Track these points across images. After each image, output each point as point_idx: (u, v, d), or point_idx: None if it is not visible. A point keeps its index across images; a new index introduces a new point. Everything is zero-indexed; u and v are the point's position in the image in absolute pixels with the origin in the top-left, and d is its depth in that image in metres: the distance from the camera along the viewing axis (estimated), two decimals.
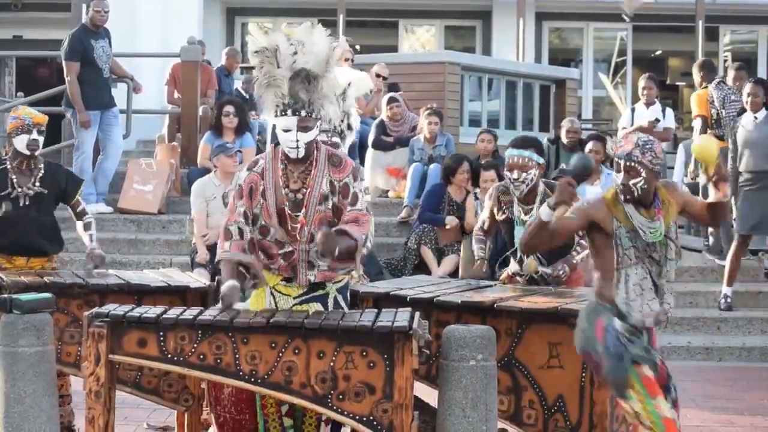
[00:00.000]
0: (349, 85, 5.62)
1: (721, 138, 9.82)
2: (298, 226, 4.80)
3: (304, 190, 4.82)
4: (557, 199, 4.58)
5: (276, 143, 4.93)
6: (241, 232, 4.84)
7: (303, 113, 4.74)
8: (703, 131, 10.13)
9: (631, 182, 4.56)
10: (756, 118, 9.35)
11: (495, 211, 5.96)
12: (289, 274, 4.90)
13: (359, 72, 6.05)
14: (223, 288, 4.76)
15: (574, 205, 4.68)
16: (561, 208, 4.59)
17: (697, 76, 10.80)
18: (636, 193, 4.57)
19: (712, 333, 9.33)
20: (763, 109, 9.40)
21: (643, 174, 4.54)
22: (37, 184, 6.11)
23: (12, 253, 6.09)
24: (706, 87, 10.41)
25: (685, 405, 7.34)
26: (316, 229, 4.79)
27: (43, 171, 6.14)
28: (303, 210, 4.80)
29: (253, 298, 5.04)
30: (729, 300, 9.42)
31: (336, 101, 5.06)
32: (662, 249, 4.61)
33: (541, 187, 5.81)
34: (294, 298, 4.92)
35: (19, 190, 6.07)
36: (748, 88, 9.47)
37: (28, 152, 6.08)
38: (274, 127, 4.98)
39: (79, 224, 6.29)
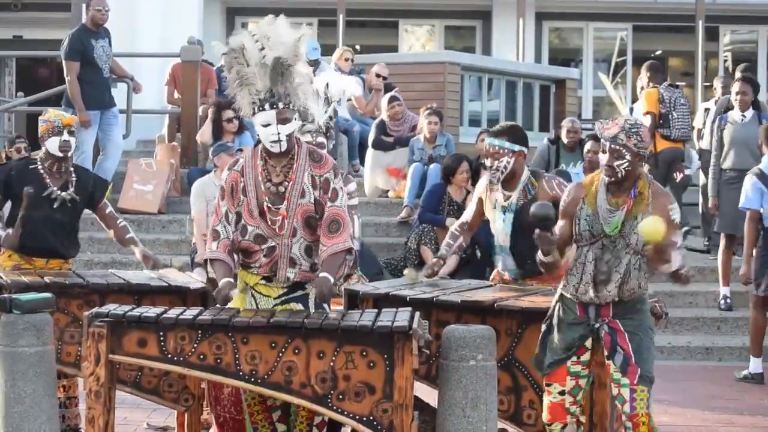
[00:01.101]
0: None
1: (667, 138, 10.30)
2: (279, 218, 4.81)
3: (286, 183, 4.83)
4: (544, 252, 4.73)
5: (256, 143, 4.95)
6: (226, 231, 4.87)
7: (281, 105, 4.76)
8: (652, 128, 10.27)
9: (616, 164, 4.65)
10: (744, 116, 9.37)
11: (484, 198, 5.93)
12: (269, 272, 4.89)
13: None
14: (219, 285, 4.76)
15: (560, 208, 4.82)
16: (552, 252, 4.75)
17: (644, 76, 10.98)
18: (620, 175, 4.66)
19: (712, 333, 9.33)
20: (751, 107, 9.41)
21: (628, 157, 4.64)
22: (72, 189, 6.11)
23: (34, 255, 6.08)
24: (654, 87, 10.64)
25: (685, 405, 7.38)
26: (298, 223, 4.81)
27: (75, 177, 6.15)
28: (285, 203, 4.81)
29: (234, 300, 5.03)
30: (728, 300, 9.42)
31: (316, 97, 5.10)
32: (619, 241, 4.67)
33: (525, 174, 5.76)
34: (274, 298, 4.91)
35: (59, 193, 6.07)
36: (736, 86, 9.49)
37: (60, 154, 6.06)
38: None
39: (120, 232, 6.24)
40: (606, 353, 4.74)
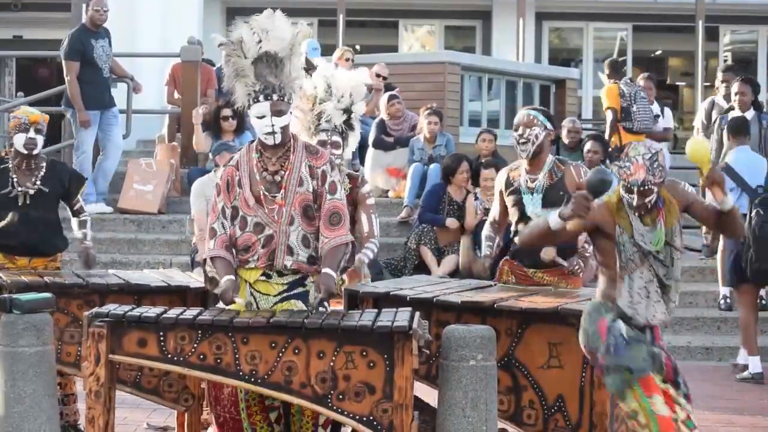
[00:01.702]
0: (350, 94, 5.66)
1: (629, 130, 10.66)
2: (275, 207, 4.81)
3: (283, 173, 4.83)
4: (571, 213, 4.56)
5: (251, 141, 4.98)
6: (223, 227, 4.87)
7: (275, 97, 4.78)
8: (614, 122, 10.79)
9: (646, 200, 4.57)
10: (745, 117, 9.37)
11: (504, 191, 5.94)
12: (266, 263, 4.86)
13: (358, 74, 6.01)
14: (222, 284, 4.75)
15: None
16: (573, 221, 4.58)
17: (604, 74, 11.44)
18: (650, 206, 4.59)
19: (712, 333, 9.33)
20: (752, 108, 9.42)
21: (656, 190, 4.58)
22: (38, 182, 6.10)
23: (14, 253, 6.08)
24: (614, 83, 11.06)
25: None
26: (296, 211, 4.81)
27: (45, 170, 6.14)
28: (282, 191, 4.82)
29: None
30: (728, 300, 9.42)
31: (329, 96, 5.10)
32: (667, 250, 4.61)
33: (550, 158, 5.82)
34: (274, 296, 4.91)
35: (19, 189, 6.06)
36: (736, 87, 9.51)
37: (25, 151, 6.08)
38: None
39: (74, 221, 6.28)
40: (669, 377, 4.61)
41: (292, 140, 4.90)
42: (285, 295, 4.90)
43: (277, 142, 4.82)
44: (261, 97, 4.78)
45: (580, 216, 4.56)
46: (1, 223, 5.94)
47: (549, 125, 5.82)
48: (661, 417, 4.53)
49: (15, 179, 6.08)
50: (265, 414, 4.97)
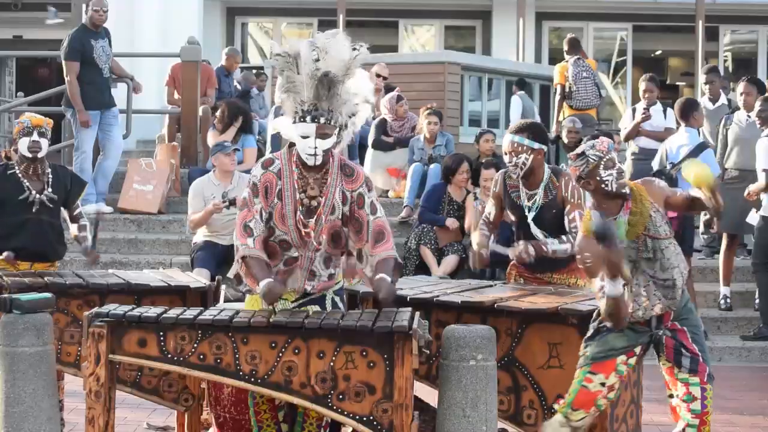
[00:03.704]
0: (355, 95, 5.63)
1: (571, 107, 11.57)
2: (307, 230, 4.79)
3: (320, 198, 4.79)
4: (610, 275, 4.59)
5: (289, 145, 4.90)
6: (259, 228, 4.79)
7: (322, 120, 4.71)
8: (561, 99, 11.86)
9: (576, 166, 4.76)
10: (749, 117, 9.37)
11: (502, 196, 5.93)
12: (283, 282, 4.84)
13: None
14: (263, 286, 4.63)
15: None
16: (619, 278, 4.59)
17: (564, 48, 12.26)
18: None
19: (712, 333, 9.33)
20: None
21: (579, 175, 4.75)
22: (50, 189, 6.11)
23: (18, 258, 6.08)
24: (566, 61, 11.93)
25: None
26: (324, 238, 4.80)
27: (51, 175, 6.15)
28: (315, 217, 4.78)
29: (248, 302, 5.01)
30: (728, 300, 9.42)
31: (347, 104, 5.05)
32: (644, 246, 4.70)
33: (546, 173, 5.79)
34: (291, 302, 4.89)
35: (36, 196, 6.07)
36: (741, 87, 9.51)
37: (29, 155, 6.08)
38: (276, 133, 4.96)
39: (74, 227, 6.29)
40: (670, 357, 4.76)
41: (331, 159, 4.83)
42: (302, 301, 4.89)
43: (317, 164, 4.75)
44: (308, 118, 4.71)
45: (616, 270, 4.54)
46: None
47: (537, 144, 5.72)
48: (587, 391, 4.75)
49: (27, 184, 6.08)
50: (273, 413, 4.96)
